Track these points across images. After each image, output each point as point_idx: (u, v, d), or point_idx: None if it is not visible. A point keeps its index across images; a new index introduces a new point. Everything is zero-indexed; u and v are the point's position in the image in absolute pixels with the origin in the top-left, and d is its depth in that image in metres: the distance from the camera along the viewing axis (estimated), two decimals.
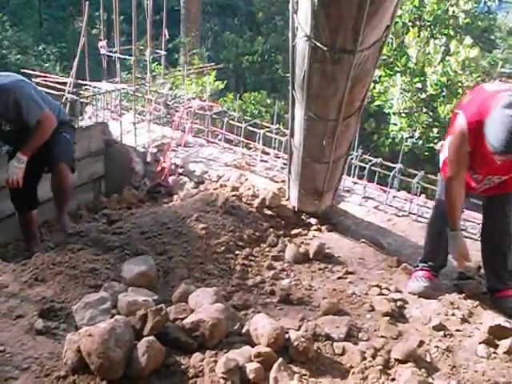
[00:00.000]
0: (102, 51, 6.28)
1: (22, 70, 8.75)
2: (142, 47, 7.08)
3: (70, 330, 2.74)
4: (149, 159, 5.36)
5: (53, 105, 4.03)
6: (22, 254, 4.38)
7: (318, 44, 2.62)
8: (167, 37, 6.64)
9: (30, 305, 2.90)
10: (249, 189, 4.35)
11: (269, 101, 11.69)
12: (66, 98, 5.87)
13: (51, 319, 2.81)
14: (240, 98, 10.35)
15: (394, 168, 4.75)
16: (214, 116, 5.69)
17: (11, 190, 3.86)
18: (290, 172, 4.21)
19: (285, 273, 3.60)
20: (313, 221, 4.37)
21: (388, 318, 3.10)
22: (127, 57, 6.04)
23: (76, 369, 2.44)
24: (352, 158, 4.84)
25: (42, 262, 3.17)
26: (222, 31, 18.05)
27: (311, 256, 3.83)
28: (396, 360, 2.69)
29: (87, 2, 7.36)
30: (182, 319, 2.69)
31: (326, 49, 2.63)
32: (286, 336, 2.68)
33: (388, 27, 2.65)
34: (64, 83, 6.63)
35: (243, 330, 2.77)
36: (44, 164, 3.97)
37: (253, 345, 2.64)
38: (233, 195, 4.22)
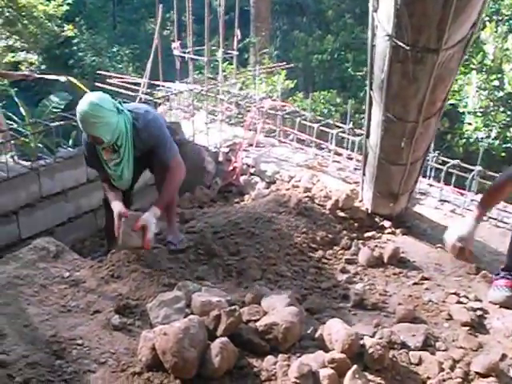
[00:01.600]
0: (175, 52, 6.38)
1: (98, 72, 9.08)
2: (213, 47, 7.13)
3: (144, 327, 2.79)
4: (220, 159, 5.40)
5: None
6: (98, 250, 4.52)
7: (400, 43, 2.55)
8: (239, 37, 6.67)
9: (106, 300, 2.97)
10: (321, 190, 4.29)
11: (338, 100, 11.57)
12: (140, 99, 6.00)
13: (127, 316, 2.87)
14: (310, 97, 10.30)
15: (472, 170, 4.56)
16: (286, 116, 5.65)
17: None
18: (364, 173, 4.12)
19: (358, 277, 3.53)
20: (387, 224, 4.26)
21: (467, 328, 2.97)
22: (199, 57, 6.11)
23: (150, 366, 2.47)
24: (428, 160, 4.69)
25: (118, 260, 3.25)
26: (290, 30, 18.01)
27: (385, 260, 3.73)
28: (476, 373, 2.57)
29: (161, 5, 7.50)
30: (255, 321, 2.67)
31: (408, 48, 2.55)
32: (361, 342, 2.61)
33: (475, 24, 2.53)
34: (138, 84, 6.79)
35: (316, 335, 2.73)
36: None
37: (326, 350, 2.59)
38: (305, 196, 4.17)
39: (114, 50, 20.32)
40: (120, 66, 17.77)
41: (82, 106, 3.29)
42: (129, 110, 3.48)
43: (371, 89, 3.26)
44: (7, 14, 12.86)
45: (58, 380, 2.47)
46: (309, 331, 2.76)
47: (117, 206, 3.44)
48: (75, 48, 20.16)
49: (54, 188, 4.60)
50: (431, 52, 2.53)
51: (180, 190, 5.43)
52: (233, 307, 2.59)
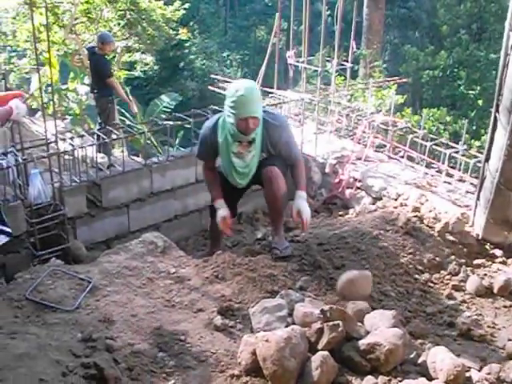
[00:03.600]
0: (290, 61, 6.42)
1: (212, 76, 9.33)
2: (328, 58, 7.11)
3: (245, 330, 2.82)
4: (327, 170, 5.36)
5: None
6: (201, 249, 4.63)
7: None
8: (354, 49, 6.61)
9: (209, 300, 3.03)
10: (430, 210, 4.14)
11: (448, 118, 11.16)
12: None
13: (229, 317, 2.90)
14: (418, 114, 10.01)
15: None
16: (398, 132, 5.52)
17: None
18: (478, 198, 3.94)
19: (465, 305, 3.36)
20: (498, 252, 4.02)
21: None
22: (313, 67, 6.11)
23: (249, 370, 2.49)
24: None
25: (223, 261, 3.30)
26: (401, 44, 17.65)
27: (495, 291, 3.53)
28: None
29: (278, 14, 7.57)
30: (357, 339, 2.61)
31: None
32: (467, 375, 2.49)
33: None
34: None
35: (419, 360, 2.63)
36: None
37: (429, 378, 2.49)
38: (414, 216, 4.03)
39: (224, 54, 20.93)
40: (229, 70, 18.23)
41: (244, 86, 3.41)
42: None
43: (497, 111, 3.10)
44: (129, 16, 13.52)
45: (159, 372, 2.55)
46: (411, 356, 2.67)
47: (222, 209, 3.63)
48: (187, 51, 20.91)
49: (164, 185, 4.78)
50: None
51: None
52: (336, 322, 2.55)
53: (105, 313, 2.84)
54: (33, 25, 4.56)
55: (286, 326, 2.66)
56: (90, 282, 3.07)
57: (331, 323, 2.54)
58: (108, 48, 7.28)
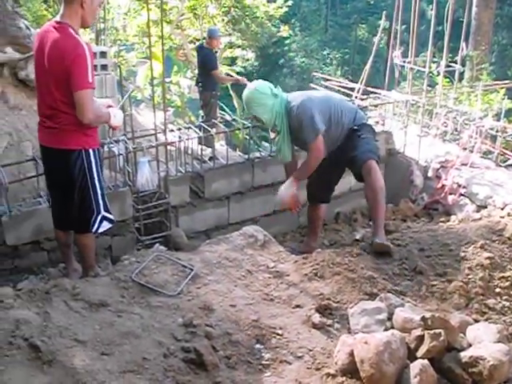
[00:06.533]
0: (396, 61, 6.29)
1: (314, 74, 9.32)
2: (435, 59, 6.90)
3: (342, 330, 2.80)
4: (430, 174, 5.22)
5: (347, 109, 4.12)
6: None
7: None
8: (464, 50, 6.37)
9: (308, 297, 3.04)
10: None
11: None
12: (353, 104, 6.02)
13: (326, 316, 2.89)
14: None
15: None
16: (508, 138, 5.27)
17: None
18: None
19: None
20: None
21: None
22: (421, 68, 5.94)
23: (345, 371, 2.47)
24: None
25: (323, 260, 3.30)
26: (510, 45, 16.77)
27: None
28: None
29: (384, 12, 7.45)
30: (459, 350, 2.53)
31: None
32: None
33: None
34: (352, 89, 6.83)
35: None
36: (347, 166, 4.14)
37: None
38: None
39: (325, 52, 20.83)
40: (328, 68, 18.13)
41: (244, 92, 4.08)
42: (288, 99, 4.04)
43: None
44: (233, 13, 13.78)
45: (256, 363, 2.59)
46: None
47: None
48: (287, 48, 21.01)
49: (264, 180, 4.84)
50: None
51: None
52: (438, 331, 2.48)
53: (205, 301, 2.92)
54: (148, 20, 4.75)
55: (385, 330, 2.62)
56: (192, 270, 3.16)
57: (432, 331, 2.47)
58: (215, 42, 7.50)
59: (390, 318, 2.75)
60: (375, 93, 6.37)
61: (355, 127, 4.00)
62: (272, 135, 4.31)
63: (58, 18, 3.23)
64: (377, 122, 5.90)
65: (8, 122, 5.23)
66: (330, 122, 3.96)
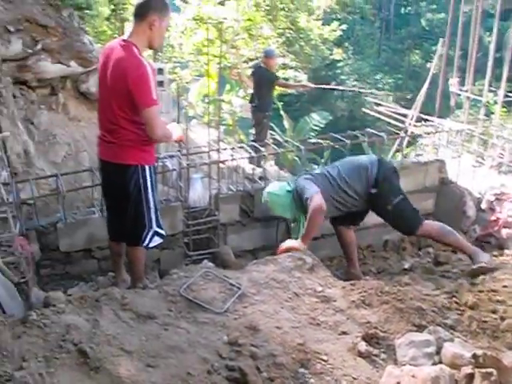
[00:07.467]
0: (452, 89, 6.22)
1: (366, 97, 9.29)
2: (494, 88, 6.78)
3: (388, 361, 2.75)
4: (483, 206, 5.10)
5: (354, 175, 4.18)
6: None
7: None
8: None
9: (354, 325, 3.00)
10: None
11: None
12: (406, 131, 5.98)
13: (373, 345, 2.85)
14: None
15: None
16: None
17: None
18: None
19: None
20: None
21: None
22: (478, 97, 5.85)
23: None
24: None
25: (371, 287, 3.26)
26: None
27: None
28: None
29: (441, 39, 7.39)
30: None
31: None
32: None
33: None
34: (403, 115, 6.78)
35: None
36: None
37: None
38: None
39: (377, 77, 20.73)
40: (380, 93, 17.99)
41: (263, 195, 4.39)
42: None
43: None
44: (288, 35, 13.94)
45: None
46: None
47: None
48: (339, 71, 21.02)
49: None
50: None
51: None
52: (489, 370, 2.41)
53: (251, 320, 2.92)
54: (207, 39, 4.84)
55: (433, 364, 2.57)
56: (240, 289, 3.17)
57: (484, 370, 2.40)
58: (272, 62, 7.64)
59: (438, 352, 2.68)
60: (429, 120, 6.29)
61: (373, 191, 4.07)
62: (292, 224, 4.50)
63: (125, 36, 3.34)
64: (431, 149, 5.84)
65: (67, 133, 5.43)
66: (333, 187, 4.14)
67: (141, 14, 3.27)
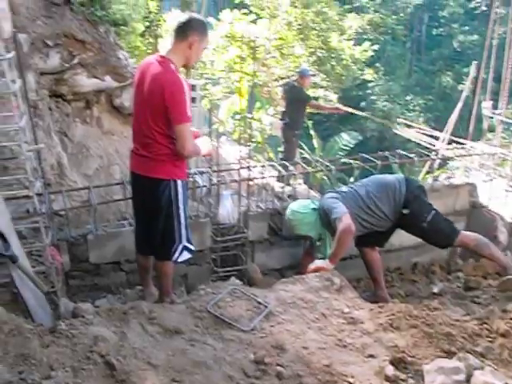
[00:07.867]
0: (485, 112, 6.15)
1: (398, 119, 9.25)
2: None
3: None
4: None
5: (382, 195, 4.17)
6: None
7: None
8: None
9: (382, 348, 2.95)
10: None
11: None
12: (437, 153, 5.93)
13: (400, 370, 2.80)
14: None
15: None
16: None
17: None
18: None
19: None
20: None
21: None
22: (510, 121, 5.78)
23: None
24: None
25: (399, 311, 3.21)
26: None
27: None
28: None
29: (475, 62, 7.34)
30: None
31: None
32: None
33: None
34: (434, 137, 6.73)
35: None
36: None
37: None
38: None
39: (408, 98, 20.64)
40: (410, 114, 17.92)
41: (287, 214, 4.40)
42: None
43: None
44: (319, 54, 13.98)
45: None
46: None
47: None
48: (369, 91, 20.98)
49: None
50: None
51: (463, 254, 5.22)
52: None
53: (278, 339, 2.91)
54: (239, 56, 4.89)
55: None
56: (267, 307, 3.17)
57: None
58: (306, 81, 7.73)
59: (467, 380, 2.63)
60: (461, 143, 6.23)
61: (405, 211, 4.06)
62: (318, 243, 4.43)
63: (163, 53, 3.40)
64: (462, 172, 5.78)
65: (100, 146, 5.51)
66: (360, 208, 4.14)
67: (182, 33, 3.33)
